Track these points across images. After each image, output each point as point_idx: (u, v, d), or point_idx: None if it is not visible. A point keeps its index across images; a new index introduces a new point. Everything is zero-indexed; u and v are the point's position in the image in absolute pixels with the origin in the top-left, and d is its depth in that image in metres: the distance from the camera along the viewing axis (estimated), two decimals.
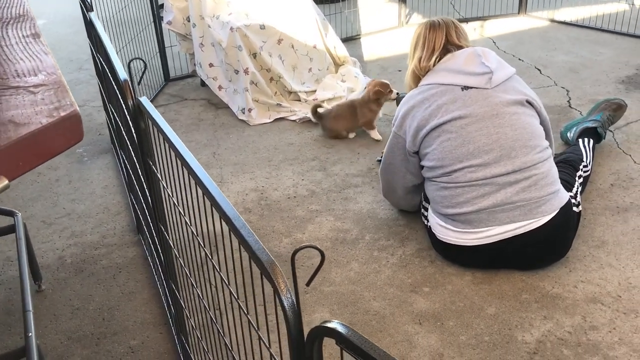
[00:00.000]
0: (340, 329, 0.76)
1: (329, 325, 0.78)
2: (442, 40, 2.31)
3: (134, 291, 2.31)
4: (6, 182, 0.81)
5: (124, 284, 2.35)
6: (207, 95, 3.90)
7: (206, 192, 1.09)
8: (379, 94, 3.13)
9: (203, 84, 3.93)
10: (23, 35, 1.29)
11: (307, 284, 0.86)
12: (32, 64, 1.13)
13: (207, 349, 1.52)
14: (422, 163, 2.29)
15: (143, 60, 1.52)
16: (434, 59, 2.30)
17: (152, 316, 2.18)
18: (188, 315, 1.67)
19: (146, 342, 2.07)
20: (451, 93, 2.21)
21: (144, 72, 1.75)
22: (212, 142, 3.36)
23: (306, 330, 0.83)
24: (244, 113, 3.56)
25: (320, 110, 3.33)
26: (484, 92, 2.19)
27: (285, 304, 0.85)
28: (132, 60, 1.45)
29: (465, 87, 2.21)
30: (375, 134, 3.23)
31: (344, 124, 3.23)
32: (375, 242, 2.47)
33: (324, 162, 3.09)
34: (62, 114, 0.94)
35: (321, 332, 0.79)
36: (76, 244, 2.60)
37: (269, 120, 3.54)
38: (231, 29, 3.47)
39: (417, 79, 2.37)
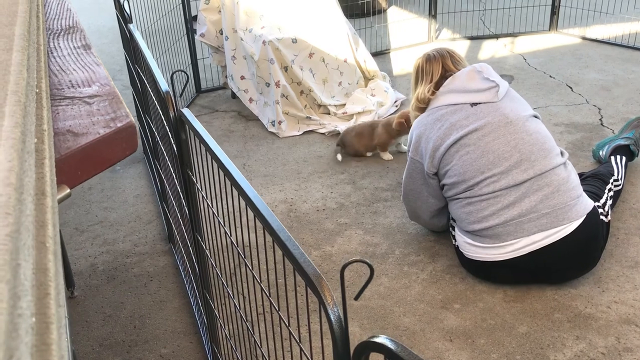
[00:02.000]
0: (389, 344, 0.76)
1: (377, 340, 0.78)
2: (439, 70, 2.38)
3: (164, 300, 2.33)
4: (68, 190, 0.83)
5: (155, 292, 2.37)
6: (237, 107, 3.94)
7: (250, 204, 1.10)
8: (401, 127, 3.08)
9: (234, 95, 3.97)
10: (74, 47, 1.33)
11: (356, 299, 0.86)
12: (85, 74, 1.16)
13: (241, 359, 1.53)
14: (443, 182, 2.30)
15: (186, 73, 1.54)
16: (433, 89, 2.36)
17: (183, 325, 2.20)
18: (222, 324, 1.68)
19: (177, 351, 2.09)
20: (461, 111, 2.26)
21: (186, 84, 1.78)
22: (242, 153, 3.39)
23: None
24: (273, 125, 3.59)
25: (340, 130, 3.37)
26: (494, 105, 2.25)
27: (332, 317, 0.86)
28: (174, 72, 1.47)
29: (474, 104, 2.25)
30: (386, 155, 3.23)
31: (364, 142, 3.23)
32: (405, 257, 2.47)
33: (353, 175, 3.10)
34: (119, 124, 0.97)
35: (369, 347, 0.80)
36: (108, 251, 2.63)
37: (298, 133, 3.57)
38: (263, 42, 3.50)
39: (422, 110, 2.41)
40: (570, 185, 2.19)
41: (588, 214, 2.17)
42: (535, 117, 2.31)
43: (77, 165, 0.88)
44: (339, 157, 3.25)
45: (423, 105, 2.39)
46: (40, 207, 0.51)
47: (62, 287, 0.46)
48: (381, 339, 0.78)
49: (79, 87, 1.10)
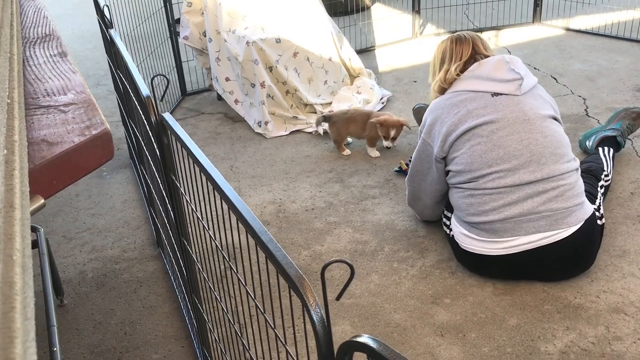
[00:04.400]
0: (371, 343, 0.76)
1: (360, 339, 0.78)
2: (469, 51, 2.35)
3: (154, 305, 2.32)
4: (42, 200, 0.83)
5: (145, 297, 2.36)
6: (223, 109, 3.93)
7: (232, 207, 1.10)
8: (374, 130, 3.14)
9: (220, 97, 3.96)
10: (50, 55, 1.32)
11: (337, 299, 0.86)
12: (61, 82, 1.15)
13: None
14: (449, 167, 2.29)
15: (166, 77, 1.54)
16: (460, 70, 2.32)
17: (174, 330, 2.19)
18: (211, 328, 1.67)
19: (168, 356, 2.08)
20: (481, 99, 2.23)
21: (166, 89, 1.77)
22: (229, 155, 3.38)
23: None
24: (260, 126, 3.58)
25: (329, 113, 3.36)
26: (515, 98, 2.21)
27: (315, 318, 0.85)
28: (155, 76, 1.46)
29: (496, 94, 2.23)
30: (373, 152, 3.23)
31: (353, 129, 3.23)
32: (395, 253, 2.47)
33: (341, 173, 3.10)
34: (94, 132, 0.96)
35: (352, 347, 0.80)
36: (97, 258, 2.62)
37: (285, 133, 3.56)
38: (247, 43, 3.50)
39: (443, 91, 2.38)
40: (576, 191, 2.17)
41: (586, 220, 2.16)
42: (555, 119, 2.26)
43: (52, 175, 0.87)
44: (320, 130, 3.28)
45: (446, 86, 2.36)
46: (9, 219, 0.51)
47: (30, 300, 0.46)
48: (364, 339, 0.78)
49: (55, 95, 1.09)
